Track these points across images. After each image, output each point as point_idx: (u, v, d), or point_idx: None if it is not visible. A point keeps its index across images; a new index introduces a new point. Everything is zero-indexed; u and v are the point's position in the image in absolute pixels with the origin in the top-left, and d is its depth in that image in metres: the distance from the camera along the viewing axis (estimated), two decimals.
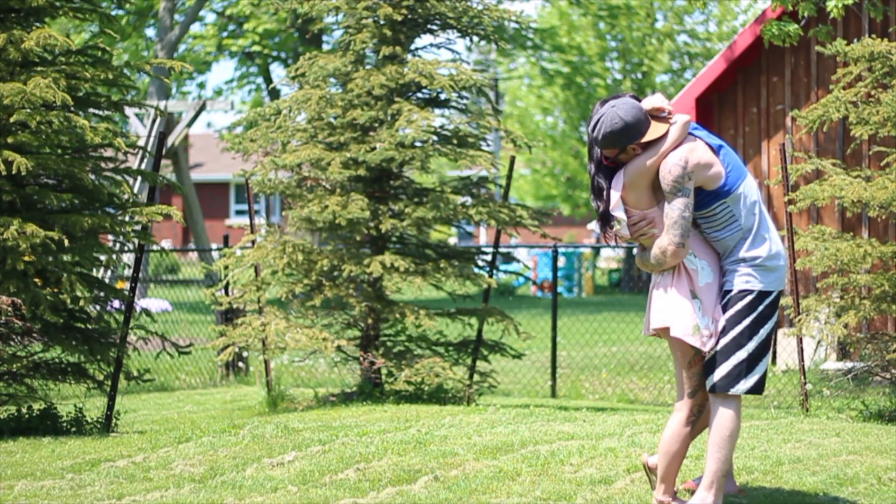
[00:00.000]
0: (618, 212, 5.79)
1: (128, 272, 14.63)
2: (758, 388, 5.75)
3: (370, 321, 11.02)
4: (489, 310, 11.18)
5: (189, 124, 21.64)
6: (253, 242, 11.41)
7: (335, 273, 10.87)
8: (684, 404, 5.83)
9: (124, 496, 6.41)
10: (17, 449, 8.15)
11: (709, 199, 5.74)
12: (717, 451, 5.71)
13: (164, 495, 6.40)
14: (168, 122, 21.46)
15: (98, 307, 9.65)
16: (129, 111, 20.11)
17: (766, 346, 5.77)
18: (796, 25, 12.21)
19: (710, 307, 5.75)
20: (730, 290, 5.77)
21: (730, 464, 5.79)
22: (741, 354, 5.71)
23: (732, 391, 5.70)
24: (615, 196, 5.79)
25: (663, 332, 5.85)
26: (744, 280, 5.76)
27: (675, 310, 5.75)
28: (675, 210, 5.68)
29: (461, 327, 11.72)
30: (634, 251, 5.99)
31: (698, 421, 5.86)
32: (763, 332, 5.75)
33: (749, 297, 5.74)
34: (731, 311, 5.74)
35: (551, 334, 13.42)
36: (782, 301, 10.32)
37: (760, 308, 5.75)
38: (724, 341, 5.73)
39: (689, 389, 5.81)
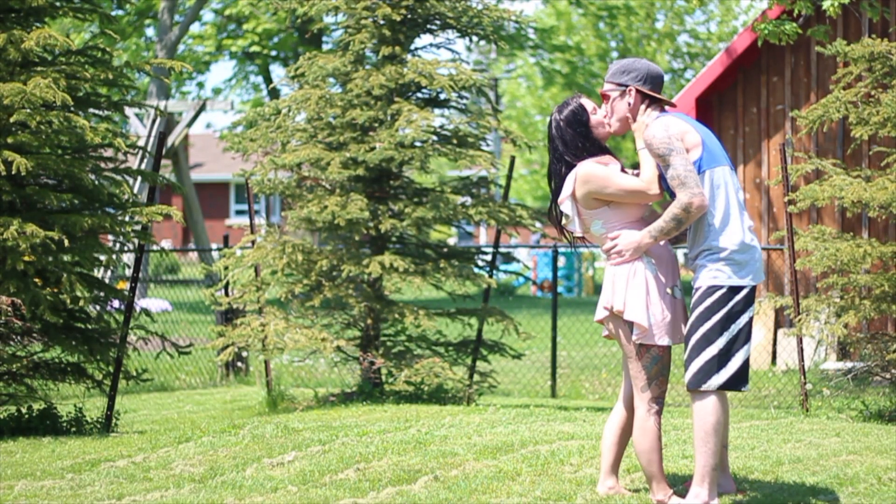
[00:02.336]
0: (565, 206, 5.98)
1: (128, 272, 14.65)
2: (733, 384, 5.75)
3: (370, 321, 11.02)
4: (489, 310, 11.18)
5: (189, 124, 21.63)
6: (253, 242, 11.41)
7: (335, 273, 10.87)
8: (640, 400, 5.85)
9: (124, 496, 6.41)
10: (17, 449, 8.15)
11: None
12: (703, 445, 5.72)
13: (164, 495, 6.40)
14: (168, 122, 21.45)
15: (98, 307, 9.65)
16: (129, 111, 20.11)
17: (739, 341, 5.76)
18: (793, 24, 12.20)
19: (655, 300, 5.81)
20: (699, 287, 5.78)
21: (718, 456, 5.79)
22: (711, 350, 5.72)
23: (704, 387, 5.72)
24: (566, 192, 5.97)
25: (608, 322, 5.93)
26: (712, 276, 5.77)
27: (622, 294, 5.82)
28: (679, 167, 5.74)
29: (461, 327, 11.72)
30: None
31: (661, 411, 5.87)
32: (734, 328, 5.75)
33: (718, 293, 5.75)
34: (700, 308, 5.76)
35: (551, 334, 13.41)
36: (782, 301, 10.33)
37: (731, 304, 5.75)
38: (694, 338, 5.76)
39: (641, 383, 5.84)
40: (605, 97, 6.02)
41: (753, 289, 5.82)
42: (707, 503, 5.73)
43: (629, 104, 5.95)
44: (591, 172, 5.90)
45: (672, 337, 5.84)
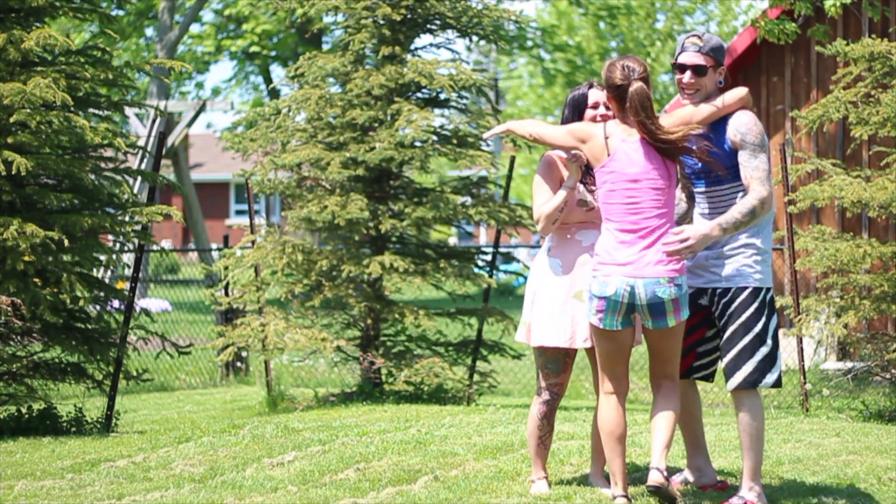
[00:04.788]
0: None
1: (128, 272, 14.65)
2: (779, 381, 5.90)
3: (370, 321, 11.02)
4: (489, 310, 11.18)
5: (189, 124, 21.63)
6: (253, 243, 11.41)
7: (335, 273, 10.87)
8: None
9: (124, 496, 6.41)
10: (17, 449, 8.15)
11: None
12: (757, 444, 5.89)
13: (164, 495, 6.40)
14: (168, 122, 21.45)
15: (98, 307, 9.65)
16: (129, 111, 20.11)
17: (777, 340, 5.91)
18: (793, 24, 12.20)
19: (545, 305, 6.10)
20: (745, 287, 5.80)
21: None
22: (764, 350, 5.82)
23: (761, 385, 5.83)
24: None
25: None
26: (758, 276, 5.85)
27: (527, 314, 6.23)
28: (764, 163, 5.76)
29: (461, 327, 11.72)
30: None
31: (550, 404, 6.16)
32: (774, 328, 5.89)
33: (764, 295, 5.86)
34: (750, 309, 5.81)
35: None
36: (782, 301, 10.36)
37: (772, 304, 5.88)
38: (746, 339, 5.82)
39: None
40: (701, 70, 5.83)
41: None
42: (760, 494, 5.87)
43: (720, 83, 5.90)
44: (543, 161, 6.11)
45: (556, 338, 6.04)
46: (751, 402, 5.83)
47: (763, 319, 5.81)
